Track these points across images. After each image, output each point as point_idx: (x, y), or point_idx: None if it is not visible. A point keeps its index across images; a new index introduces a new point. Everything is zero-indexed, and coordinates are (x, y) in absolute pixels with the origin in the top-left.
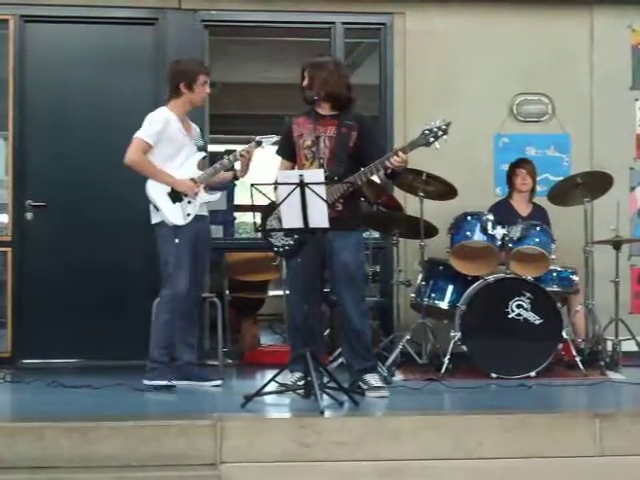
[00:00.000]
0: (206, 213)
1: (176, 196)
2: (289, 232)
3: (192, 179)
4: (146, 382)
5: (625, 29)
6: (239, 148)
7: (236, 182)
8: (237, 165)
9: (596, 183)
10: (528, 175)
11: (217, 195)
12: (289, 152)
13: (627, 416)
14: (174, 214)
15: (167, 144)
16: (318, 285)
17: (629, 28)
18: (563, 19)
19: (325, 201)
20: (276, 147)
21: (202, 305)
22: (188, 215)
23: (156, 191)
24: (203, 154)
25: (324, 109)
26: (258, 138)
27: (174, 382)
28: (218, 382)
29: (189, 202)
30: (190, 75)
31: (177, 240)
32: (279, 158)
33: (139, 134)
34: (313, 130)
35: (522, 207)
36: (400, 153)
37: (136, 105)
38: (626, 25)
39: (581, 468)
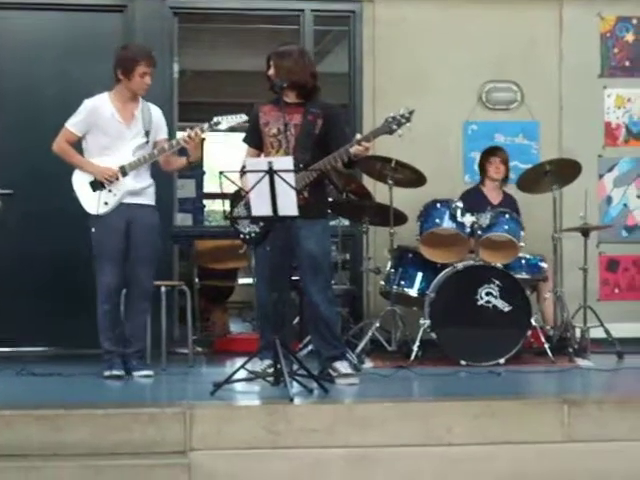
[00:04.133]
0: (147, 202)
1: (97, 184)
2: (257, 220)
3: (121, 167)
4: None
5: (594, 17)
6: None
7: (193, 165)
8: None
9: (565, 170)
10: (502, 163)
11: (146, 182)
12: (256, 139)
13: (595, 402)
14: (90, 203)
15: (99, 134)
16: (286, 272)
17: (598, 16)
18: (532, 7)
19: (294, 188)
20: (238, 131)
21: (154, 294)
22: (105, 204)
23: (78, 179)
24: (142, 140)
25: (290, 97)
26: (216, 119)
27: (115, 372)
28: (148, 372)
29: (110, 191)
30: (128, 63)
31: (93, 229)
32: (245, 145)
33: (67, 122)
34: (279, 118)
35: (493, 195)
36: (363, 142)
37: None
38: (595, 13)
39: (549, 454)
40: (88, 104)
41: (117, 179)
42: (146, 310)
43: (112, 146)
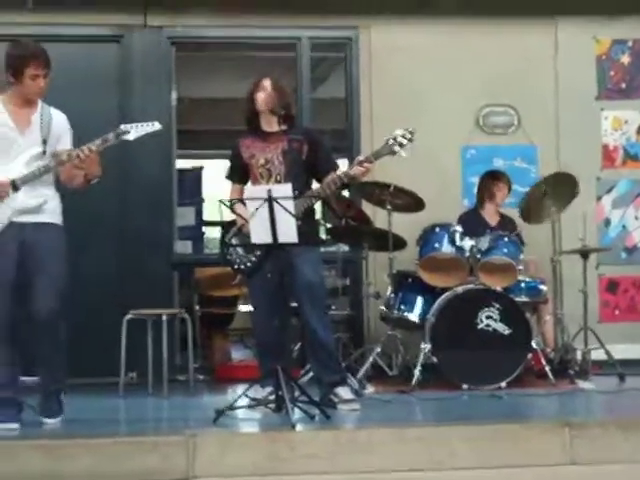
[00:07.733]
0: (47, 220)
1: None
2: (250, 249)
3: (12, 180)
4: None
5: (589, 40)
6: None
7: (92, 181)
8: None
9: (562, 187)
10: (507, 188)
11: (43, 198)
12: (240, 175)
13: (597, 425)
14: None
15: None
16: (283, 300)
17: (593, 39)
18: (527, 30)
19: (294, 215)
20: None
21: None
22: None
23: None
24: (38, 150)
25: (272, 126)
26: (123, 127)
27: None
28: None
29: None
30: (16, 64)
31: None
32: (229, 183)
33: None
34: (265, 148)
35: (492, 217)
36: (365, 163)
37: (101, 123)
38: (590, 36)
39: (552, 477)
40: None
41: (7, 194)
42: (51, 347)
43: (4, 156)
